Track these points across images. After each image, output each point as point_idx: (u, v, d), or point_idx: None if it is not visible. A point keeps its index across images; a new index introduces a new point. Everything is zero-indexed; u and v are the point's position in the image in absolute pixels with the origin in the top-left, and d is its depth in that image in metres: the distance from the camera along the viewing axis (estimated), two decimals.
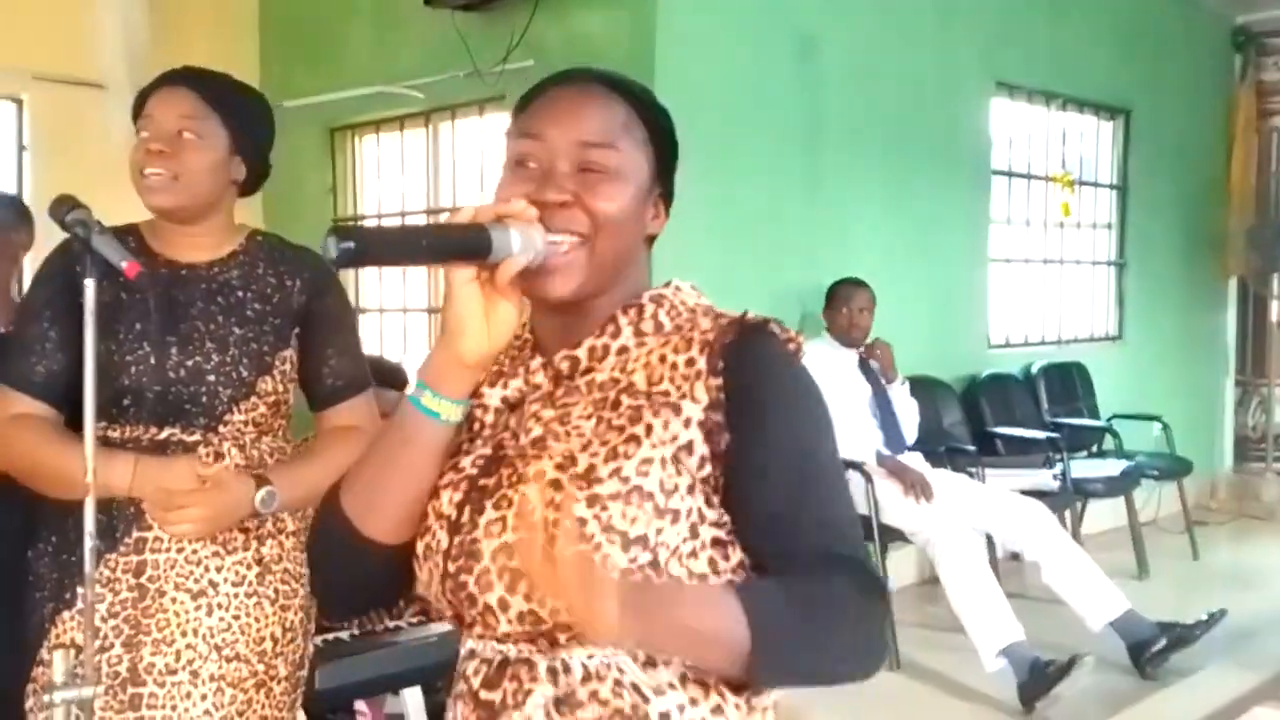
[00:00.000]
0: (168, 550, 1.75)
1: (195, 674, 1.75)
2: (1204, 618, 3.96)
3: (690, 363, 1.04)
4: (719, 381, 1.02)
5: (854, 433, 4.21)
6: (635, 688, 1.00)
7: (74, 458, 1.62)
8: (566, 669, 1.00)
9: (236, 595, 1.79)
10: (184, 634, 1.75)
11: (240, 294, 1.84)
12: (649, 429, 1.01)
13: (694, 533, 1.01)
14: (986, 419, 5.24)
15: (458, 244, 0.99)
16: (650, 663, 1.01)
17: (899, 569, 4.79)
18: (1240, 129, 6.92)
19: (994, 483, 4.48)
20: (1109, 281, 6.52)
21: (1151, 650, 3.90)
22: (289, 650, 1.86)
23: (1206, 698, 2.97)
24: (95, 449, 1.61)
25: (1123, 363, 6.32)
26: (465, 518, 1.04)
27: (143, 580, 1.75)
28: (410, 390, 1.06)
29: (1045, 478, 4.74)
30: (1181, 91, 6.65)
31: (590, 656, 1.00)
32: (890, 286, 4.76)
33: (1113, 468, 5.16)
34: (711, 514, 1.02)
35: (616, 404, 1.04)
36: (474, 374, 1.05)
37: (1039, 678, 3.64)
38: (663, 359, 1.05)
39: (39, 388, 1.75)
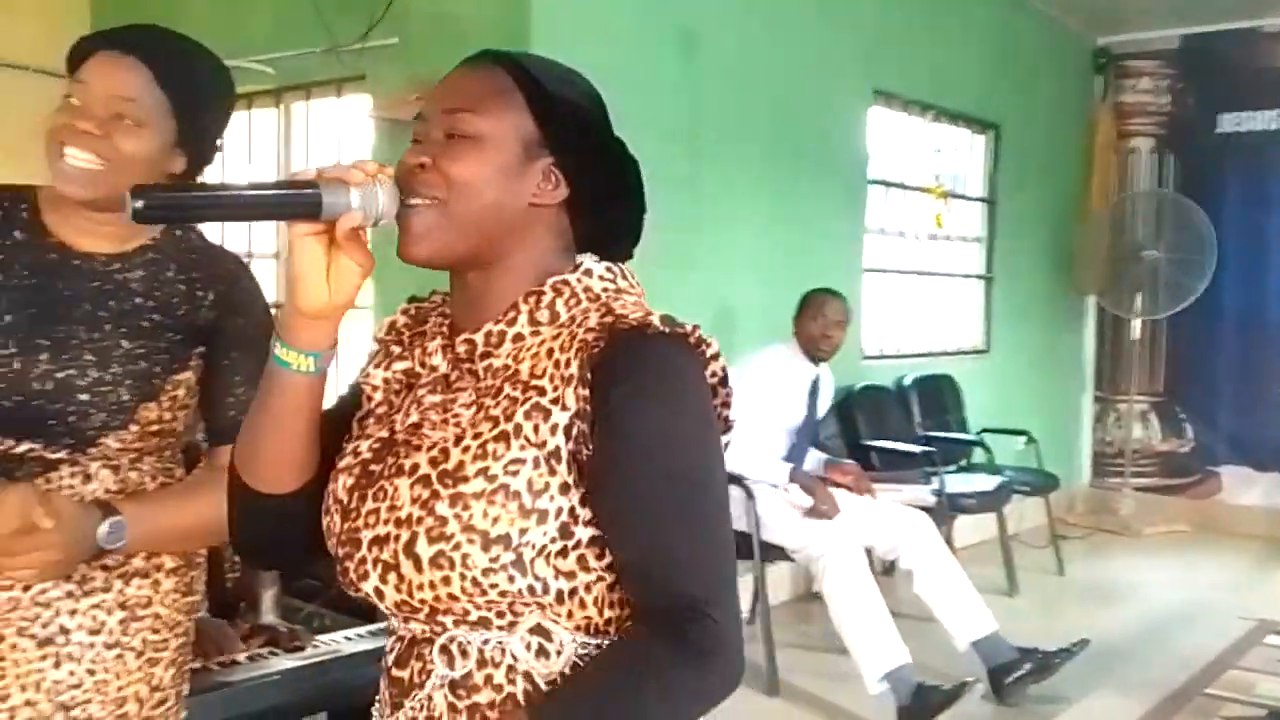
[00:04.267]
0: (10, 588, 1.41)
1: None
2: (1067, 646, 3.90)
3: (568, 364, 1.01)
4: (586, 392, 1.00)
5: (765, 449, 4.02)
6: (528, 675, 1.02)
7: None
8: (464, 652, 1.03)
9: (93, 646, 1.45)
10: (23, 689, 1.41)
11: (138, 300, 1.49)
12: (518, 429, 1.01)
13: (565, 532, 1.00)
14: (861, 431, 5.13)
15: (280, 201, 1.01)
16: (542, 652, 1.02)
17: (773, 586, 4.63)
18: (1099, 148, 7.06)
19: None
20: (979, 295, 6.55)
21: (1012, 676, 3.81)
22: (156, 714, 1.52)
23: None
24: None
25: (989, 376, 6.34)
26: (354, 503, 1.06)
27: None
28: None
29: (923, 492, 4.65)
30: (1047, 109, 6.76)
31: (485, 642, 1.02)
32: (766, 292, 4.63)
33: (985, 482, 5.11)
34: (586, 512, 1.01)
35: (498, 392, 1.04)
36: (320, 326, 1.04)
37: (922, 703, 3.51)
38: (549, 353, 1.03)
39: None
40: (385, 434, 1.09)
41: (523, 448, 0.99)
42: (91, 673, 1.45)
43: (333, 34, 4.18)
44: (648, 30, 4.32)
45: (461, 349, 1.07)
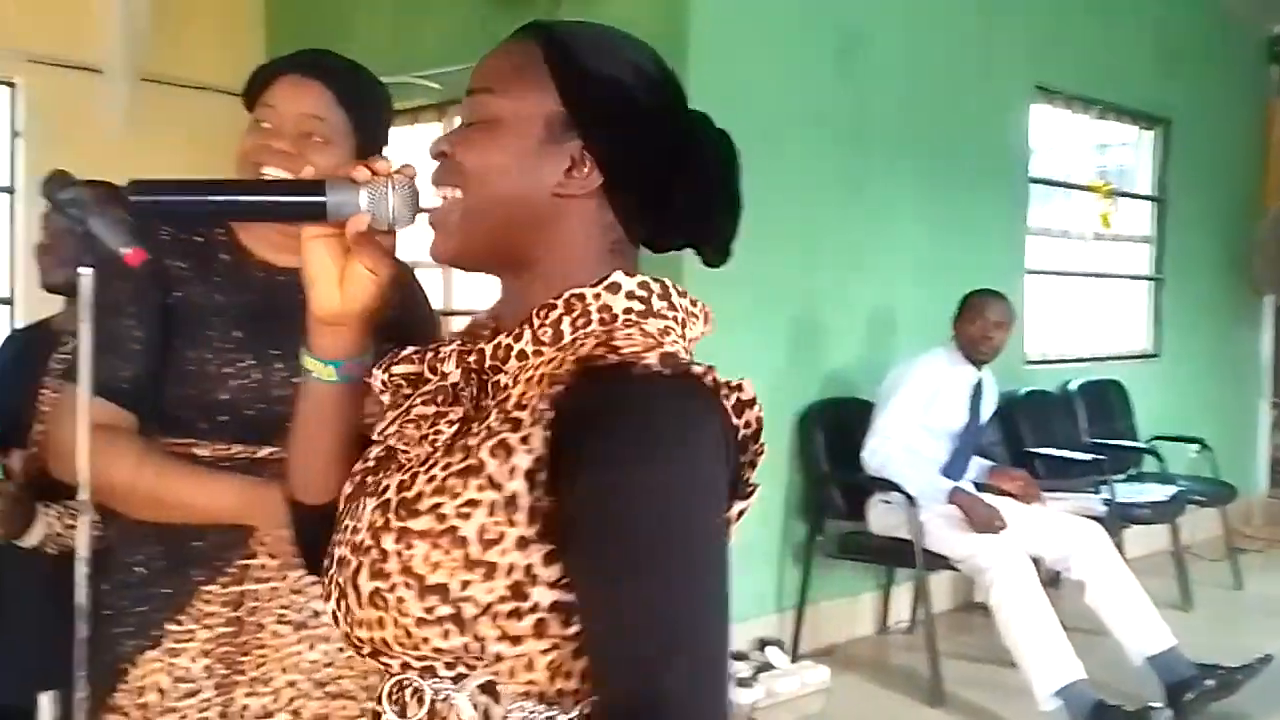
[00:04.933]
0: (270, 579, 1.54)
1: (297, 714, 1.52)
2: (1249, 663, 3.71)
3: (542, 398, 0.86)
4: (549, 434, 0.84)
5: (926, 459, 3.95)
6: None
7: (188, 481, 1.50)
8: (418, 698, 0.90)
9: None
10: (284, 671, 1.52)
11: None
12: (481, 465, 0.85)
13: (518, 592, 0.84)
14: (1025, 438, 4.99)
15: (281, 200, 0.96)
16: (489, 717, 0.87)
17: (933, 595, 4.54)
18: (1275, 142, 6.71)
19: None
20: (1147, 297, 6.30)
21: (1192, 693, 3.63)
22: None
23: None
24: (190, 469, 1.50)
25: (1159, 381, 6.09)
26: (344, 515, 0.96)
27: (240, 613, 1.53)
28: None
29: (1092, 501, 4.50)
30: (1219, 102, 6.45)
31: (436, 692, 0.88)
32: (926, 294, 4.54)
33: (1158, 492, 4.92)
34: (549, 573, 0.83)
35: (485, 416, 0.89)
36: (338, 333, 0.98)
37: None
38: (541, 380, 0.87)
39: (126, 395, 1.52)
40: (390, 443, 0.97)
41: (480, 488, 0.84)
42: (341, 650, 1.53)
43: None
44: (809, 31, 4.29)
45: (472, 358, 0.93)
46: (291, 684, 1.52)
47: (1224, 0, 6.28)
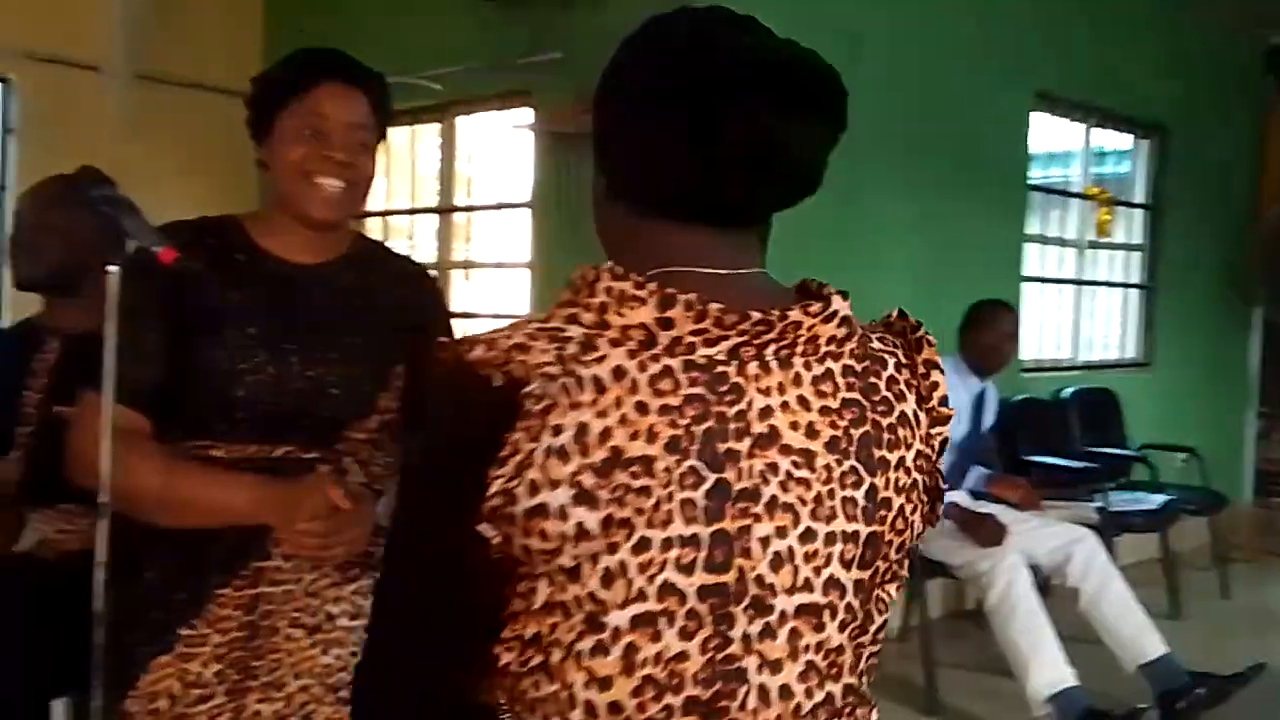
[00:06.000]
0: (285, 582, 1.53)
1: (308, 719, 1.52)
2: (1241, 671, 3.71)
3: None
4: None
5: None
6: None
7: (209, 484, 1.50)
8: None
9: (353, 630, 1.56)
10: (297, 676, 1.52)
11: (357, 300, 1.63)
12: None
13: None
14: (1020, 446, 5.00)
15: None
16: None
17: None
18: (1271, 153, 6.74)
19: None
20: (1138, 305, 6.33)
21: (1184, 701, 3.65)
22: None
23: None
24: (210, 471, 1.51)
25: (1151, 390, 6.11)
26: None
27: (254, 617, 1.52)
28: None
29: (1086, 509, 4.51)
30: (1215, 112, 6.48)
31: None
32: (924, 304, 4.52)
33: (1150, 501, 4.94)
34: None
35: None
36: None
37: None
38: None
39: (144, 399, 1.52)
40: None
41: None
42: (355, 654, 1.54)
43: (498, 49, 4.27)
44: (805, 31, 4.23)
45: None
46: (304, 689, 1.52)
47: (1222, 11, 6.31)
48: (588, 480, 0.78)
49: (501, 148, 4.76)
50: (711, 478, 0.81)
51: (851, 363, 0.89)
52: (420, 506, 0.85)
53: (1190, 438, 5.77)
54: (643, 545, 0.79)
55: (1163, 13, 6.01)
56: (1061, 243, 5.84)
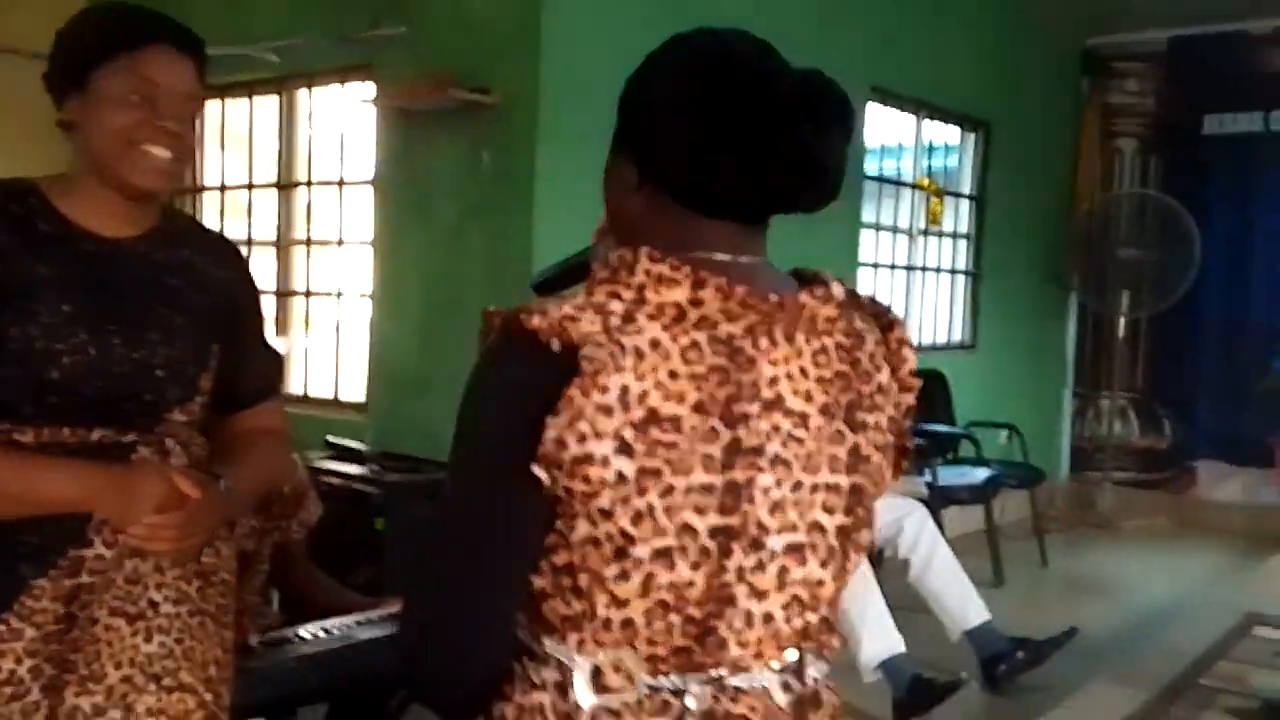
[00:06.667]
0: (105, 570, 1.44)
1: (130, 709, 1.44)
2: (1056, 635, 3.96)
3: None
4: None
5: None
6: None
7: (24, 472, 1.41)
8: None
9: (178, 615, 1.49)
10: (118, 666, 1.43)
11: (175, 278, 1.54)
12: None
13: None
14: None
15: None
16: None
17: None
18: (1086, 149, 7.15)
19: None
20: (965, 291, 6.63)
21: (1005, 666, 3.87)
22: (228, 675, 1.57)
23: None
24: (26, 457, 1.41)
25: (976, 371, 6.42)
26: None
27: (72, 608, 1.42)
28: None
29: (916, 484, 4.72)
30: (1036, 109, 6.83)
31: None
32: None
33: (975, 475, 5.19)
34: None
35: None
36: None
37: (918, 695, 3.56)
38: None
39: None
40: None
41: None
42: (180, 641, 1.49)
43: (341, 22, 4.18)
44: (657, 19, 4.31)
45: None
46: (126, 679, 1.44)
47: (1042, 14, 6.65)
48: (628, 434, 0.92)
49: (344, 123, 4.65)
50: (727, 435, 0.95)
51: (841, 339, 1.04)
52: (487, 451, 0.97)
53: (1012, 416, 6.11)
54: (668, 491, 0.93)
55: (988, 14, 6.30)
56: (895, 231, 6.07)
